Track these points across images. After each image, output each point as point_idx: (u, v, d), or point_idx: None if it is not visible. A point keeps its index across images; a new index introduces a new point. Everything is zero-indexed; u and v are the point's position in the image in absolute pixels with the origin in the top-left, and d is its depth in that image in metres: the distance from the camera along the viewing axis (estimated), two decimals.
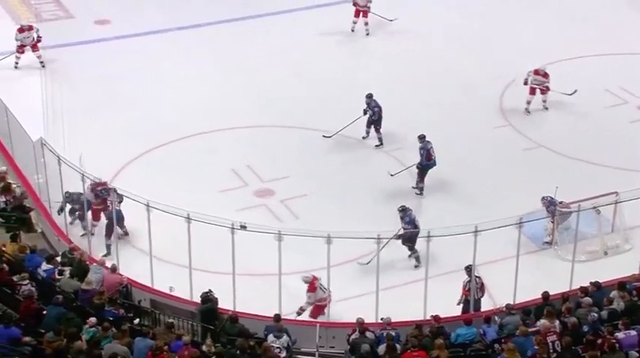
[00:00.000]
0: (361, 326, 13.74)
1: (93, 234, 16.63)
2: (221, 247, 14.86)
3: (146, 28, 24.21)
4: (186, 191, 17.64)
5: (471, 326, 13.87)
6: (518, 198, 17.50)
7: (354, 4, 23.88)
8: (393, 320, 13.99)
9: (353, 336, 13.74)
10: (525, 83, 20.87)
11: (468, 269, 14.80)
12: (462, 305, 15.06)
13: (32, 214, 17.05)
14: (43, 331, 12.96)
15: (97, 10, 25.18)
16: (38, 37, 22.22)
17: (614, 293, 14.15)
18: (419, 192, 18.01)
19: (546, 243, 16.63)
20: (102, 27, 24.55)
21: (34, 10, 25.12)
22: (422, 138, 18.07)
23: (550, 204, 16.63)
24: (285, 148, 19.65)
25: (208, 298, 14.44)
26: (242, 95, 21.49)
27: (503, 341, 13.23)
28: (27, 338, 12.63)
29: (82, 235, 16.68)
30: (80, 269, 15.10)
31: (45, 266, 14.98)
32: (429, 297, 14.68)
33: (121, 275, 15.42)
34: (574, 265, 15.36)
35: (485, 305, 14.96)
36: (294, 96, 21.30)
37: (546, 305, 13.93)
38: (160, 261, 15.84)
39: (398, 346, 13.26)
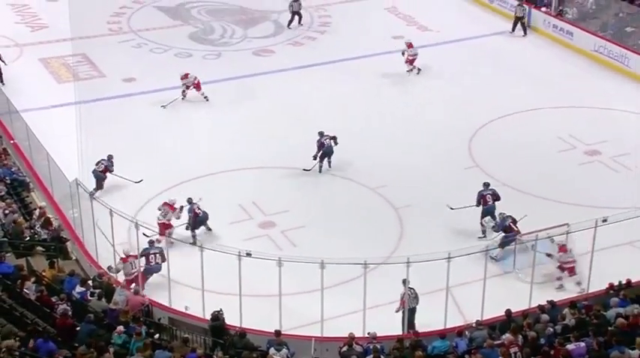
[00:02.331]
0: (351, 340, 13.68)
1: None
2: (229, 272, 14.83)
3: (166, 84, 24.35)
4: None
5: (445, 339, 13.82)
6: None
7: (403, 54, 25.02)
8: (378, 335, 13.95)
9: (343, 349, 13.68)
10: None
11: (404, 282, 14.69)
12: (400, 312, 14.92)
13: (68, 244, 17.05)
14: (76, 345, 12.91)
15: (124, 70, 25.41)
16: (197, 79, 23.20)
17: (566, 311, 14.12)
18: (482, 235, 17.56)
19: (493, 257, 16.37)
20: (129, 84, 24.73)
21: (72, 71, 25.34)
22: (486, 185, 17.92)
23: (502, 222, 16.75)
24: (285, 186, 19.68)
25: (217, 316, 14.39)
26: (249, 142, 21.58)
27: (472, 352, 13.18)
28: (63, 351, 12.58)
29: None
30: (108, 291, 15.07)
31: (79, 288, 14.94)
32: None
33: (143, 296, 15.37)
34: (532, 286, 15.33)
35: (457, 321, 14.89)
36: (294, 142, 21.39)
37: (510, 322, 13.90)
38: (177, 283, 15.81)
39: (382, 357, 13.21)
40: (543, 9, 28.66)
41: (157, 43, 27.58)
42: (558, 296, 14.87)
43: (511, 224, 16.90)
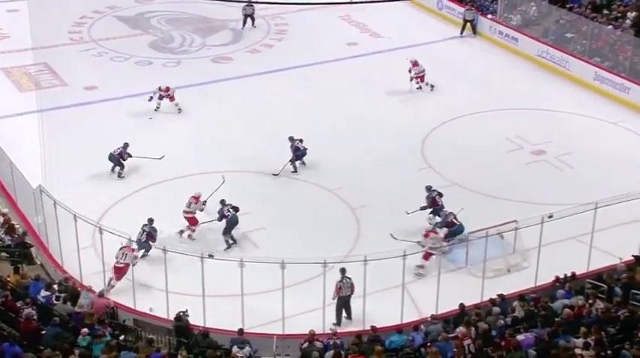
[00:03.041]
0: (312, 336, 13.68)
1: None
2: (193, 273, 14.73)
3: (127, 92, 24.11)
4: (165, 226, 17.42)
5: (402, 333, 13.89)
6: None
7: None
8: (338, 331, 13.96)
9: (304, 345, 13.66)
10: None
11: (342, 271, 14.83)
12: (335, 300, 15.04)
13: (32, 249, 16.76)
14: (42, 348, 12.69)
15: (85, 78, 25.07)
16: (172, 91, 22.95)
17: (515, 303, 14.29)
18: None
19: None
20: (90, 92, 24.40)
21: (34, 79, 24.92)
22: (429, 188, 17.98)
23: (444, 218, 17.10)
24: (246, 189, 19.59)
25: (181, 317, 14.27)
26: (210, 147, 21.46)
27: (428, 345, 13.27)
28: (28, 355, 12.36)
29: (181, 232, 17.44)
30: (73, 295, 14.85)
31: (44, 292, 14.69)
32: (366, 311, 14.69)
33: (108, 299, 15.17)
34: (484, 281, 15.50)
35: (413, 316, 14.99)
36: (254, 147, 21.34)
37: (463, 315, 14.03)
38: (142, 285, 15.64)
39: (342, 353, 13.22)
40: (489, 16, 29.05)
41: (117, 51, 27.28)
42: (508, 290, 15.03)
43: (453, 219, 17.16)
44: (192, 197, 17.76)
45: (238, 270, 14.23)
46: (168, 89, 23.09)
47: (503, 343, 12.80)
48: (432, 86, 24.35)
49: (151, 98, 22.92)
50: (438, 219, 17.49)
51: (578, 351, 12.36)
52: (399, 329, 14.02)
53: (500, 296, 14.62)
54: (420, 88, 24.30)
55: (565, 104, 23.93)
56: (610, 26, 25.51)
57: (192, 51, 27.82)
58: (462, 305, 14.37)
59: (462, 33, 28.85)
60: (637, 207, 16.00)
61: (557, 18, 27.15)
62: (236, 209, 17.49)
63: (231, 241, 17.30)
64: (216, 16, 30.50)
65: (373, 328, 14.04)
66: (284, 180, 19.68)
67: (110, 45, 27.76)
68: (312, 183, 19.84)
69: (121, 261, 15.73)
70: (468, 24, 28.77)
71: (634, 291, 14.16)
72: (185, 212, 17.64)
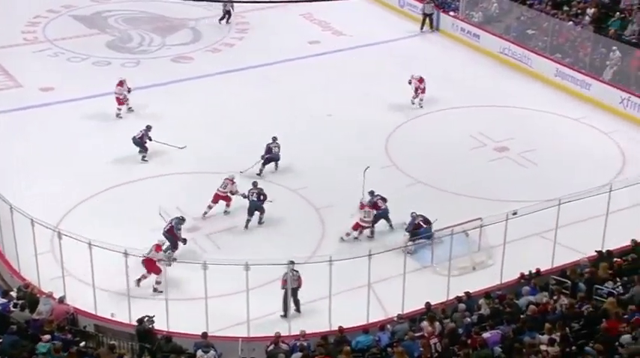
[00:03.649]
0: (277, 339, 13.63)
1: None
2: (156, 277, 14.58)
3: (85, 92, 23.81)
4: (124, 231, 17.29)
5: (368, 334, 13.93)
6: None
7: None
8: (306, 332, 13.95)
9: (270, 348, 13.62)
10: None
11: (289, 263, 14.94)
12: (283, 291, 15.17)
13: None
14: None
15: (41, 79, 24.70)
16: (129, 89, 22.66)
17: (481, 301, 14.41)
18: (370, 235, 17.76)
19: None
20: (47, 93, 24.04)
21: None
22: (371, 193, 17.98)
23: (412, 220, 17.23)
24: (208, 190, 19.40)
25: (143, 321, 14.12)
26: (171, 148, 21.24)
27: (394, 345, 13.32)
28: None
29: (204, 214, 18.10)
30: (32, 301, 14.60)
31: (0, 300, 14.42)
32: (332, 311, 14.70)
33: (67, 305, 14.96)
34: (450, 279, 15.62)
35: (379, 315, 15.04)
36: (216, 147, 21.22)
37: (429, 313, 14.11)
38: (103, 291, 15.45)
39: (309, 354, 13.20)
40: (451, 13, 29.28)
41: (74, 52, 26.92)
42: (474, 288, 15.15)
43: (420, 222, 17.25)
44: (227, 179, 18.49)
45: (202, 273, 14.12)
46: (121, 83, 22.63)
47: (469, 341, 12.90)
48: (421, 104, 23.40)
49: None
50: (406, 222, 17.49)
51: (543, 347, 12.52)
52: (365, 330, 14.05)
53: (466, 294, 14.74)
54: (414, 102, 23.40)
55: (527, 101, 24.23)
56: (570, 22, 25.88)
57: (152, 50, 27.58)
58: (428, 304, 14.45)
59: (422, 28, 29.09)
60: (599, 202, 16.22)
61: (519, 15, 27.45)
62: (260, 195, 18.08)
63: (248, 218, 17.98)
64: (175, 15, 30.27)
65: (340, 329, 14.04)
66: (247, 180, 19.60)
67: (66, 45, 27.39)
68: (275, 184, 19.78)
69: (145, 254, 15.79)
70: (428, 19, 28.95)
71: (597, 286, 14.37)
72: (220, 192, 18.37)
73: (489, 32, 27.64)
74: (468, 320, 13.76)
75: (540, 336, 12.84)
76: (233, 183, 18.54)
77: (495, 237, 16.33)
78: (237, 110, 23.36)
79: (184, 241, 16.84)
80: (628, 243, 15.95)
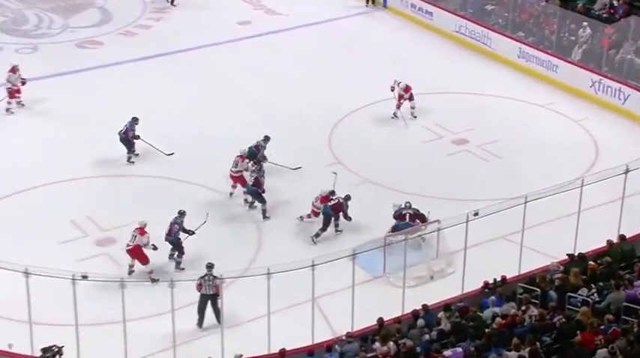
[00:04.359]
0: None
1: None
2: (63, 299, 14.36)
3: None
4: (23, 245, 17.01)
5: (314, 356, 13.97)
6: (352, 230, 18.15)
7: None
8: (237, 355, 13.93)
9: None
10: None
11: (207, 266, 15.35)
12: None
13: None
14: None
15: None
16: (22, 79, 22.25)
17: (441, 315, 14.58)
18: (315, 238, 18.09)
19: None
20: None
21: None
22: (332, 192, 18.26)
23: (399, 209, 17.66)
24: (125, 196, 19.29)
25: (49, 351, 13.89)
26: (78, 148, 21.00)
27: None
28: None
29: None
30: None
31: None
32: (272, 331, 14.70)
33: None
34: (405, 291, 15.76)
35: (325, 334, 15.09)
36: (146, 150, 21.00)
37: (382, 331, 14.23)
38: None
39: None
40: None
41: None
42: (432, 300, 15.34)
43: (407, 213, 17.48)
44: (238, 156, 19.04)
45: (119, 293, 13.97)
46: (14, 69, 22.29)
47: None
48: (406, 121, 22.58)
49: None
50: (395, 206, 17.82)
51: None
52: (310, 352, 14.10)
53: (424, 307, 14.91)
54: (396, 116, 22.59)
55: (487, 86, 24.64)
56: None
57: (52, 34, 27.19)
58: (380, 320, 14.56)
59: (367, 3, 29.32)
60: (570, 199, 16.56)
61: None
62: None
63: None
64: None
65: (281, 352, 14.06)
66: (169, 183, 19.51)
67: None
68: (204, 187, 19.69)
69: (130, 243, 16.60)
70: None
71: (570, 294, 14.69)
72: (233, 172, 18.95)
73: (443, 9, 28.00)
74: (427, 337, 13.92)
75: (508, 353, 13.07)
76: (244, 159, 19.07)
77: (455, 242, 16.55)
78: (155, 102, 23.19)
79: (191, 232, 17.16)
80: (603, 244, 16.32)
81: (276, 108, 23.07)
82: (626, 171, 16.44)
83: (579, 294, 14.62)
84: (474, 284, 15.79)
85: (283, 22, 28.13)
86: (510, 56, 25.92)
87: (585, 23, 24.67)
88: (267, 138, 19.98)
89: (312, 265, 14.40)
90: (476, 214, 15.51)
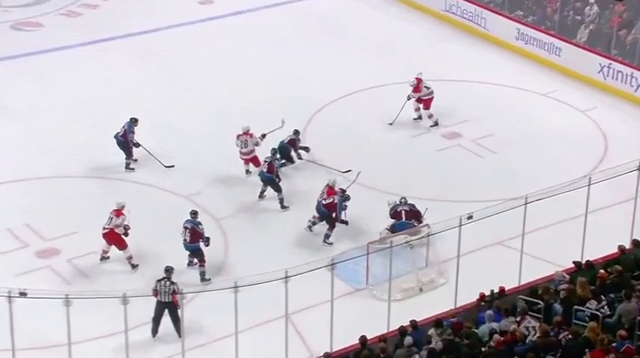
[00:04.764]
0: None
1: None
2: None
3: None
4: None
5: None
6: (332, 236, 18.15)
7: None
8: None
9: None
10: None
11: (166, 270, 15.59)
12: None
13: None
14: None
15: None
16: None
17: (431, 332, 14.62)
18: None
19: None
20: None
21: None
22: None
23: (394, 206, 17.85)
24: (70, 201, 19.20)
25: None
26: (15, 147, 20.91)
27: None
28: None
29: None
30: None
31: None
32: (241, 352, 14.66)
33: None
34: (390, 305, 15.77)
35: (301, 355, 15.13)
36: (76, 143, 21.02)
37: (363, 351, 14.25)
38: None
39: None
40: None
41: None
42: (422, 315, 15.39)
43: (402, 210, 17.63)
44: (244, 134, 19.66)
45: (63, 310, 13.89)
46: None
47: None
48: (436, 123, 22.30)
49: None
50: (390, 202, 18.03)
51: None
52: None
53: (412, 323, 14.96)
54: (420, 118, 22.40)
55: (482, 72, 24.75)
56: None
57: None
58: (363, 339, 14.59)
59: None
60: (576, 198, 16.64)
61: None
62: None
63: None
64: None
65: None
66: (123, 185, 19.44)
67: None
68: (160, 188, 19.66)
69: (106, 225, 17.20)
70: None
71: (577, 307, 14.79)
72: (243, 154, 19.71)
73: None
74: (417, 356, 13.98)
75: None
76: (251, 136, 19.67)
77: (447, 249, 16.62)
78: (103, 92, 23.18)
79: (207, 241, 17.18)
80: (614, 250, 16.41)
81: (243, 98, 23.05)
82: None
83: (587, 307, 14.72)
84: (468, 297, 15.86)
85: (249, 1, 28.09)
86: (507, 38, 26.08)
87: (592, 0, 24.83)
88: (297, 132, 20.42)
89: (286, 277, 14.39)
90: (470, 217, 15.57)
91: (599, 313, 14.52)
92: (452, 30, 27.12)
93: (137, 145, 20.13)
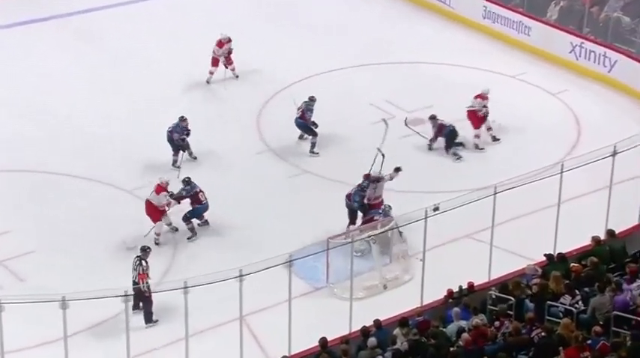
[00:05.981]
0: None
1: None
2: None
3: None
4: None
5: None
6: (289, 231, 18.19)
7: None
8: None
9: None
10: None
11: (143, 249, 16.20)
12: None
13: None
14: None
15: None
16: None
17: (396, 331, 14.70)
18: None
19: None
20: None
21: None
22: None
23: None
24: (5, 197, 19.05)
25: None
26: None
27: None
28: None
29: None
30: None
31: None
32: (192, 356, 14.70)
33: None
34: (352, 304, 15.83)
35: None
36: (6, 135, 20.94)
37: (323, 352, 14.30)
38: None
39: None
40: None
41: None
42: (386, 314, 15.46)
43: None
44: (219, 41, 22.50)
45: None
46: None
47: None
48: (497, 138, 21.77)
49: None
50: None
51: None
52: None
53: (376, 323, 15.03)
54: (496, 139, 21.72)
55: (447, 54, 24.87)
56: None
57: None
58: (323, 340, 14.63)
59: None
60: (548, 187, 16.77)
61: None
62: None
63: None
64: None
65: None
66: (57, 183, 19.29)
67: None
68: (102, 183, 19.57)
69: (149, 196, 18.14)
70: None
71: (550, 303, 14.93)
72: (216, 54, 22.49)
73: None
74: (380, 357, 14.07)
75: None
76: (229, 41, 22.63)
77: (412, 243, 16.70)
78: (37, 80, 23.08)
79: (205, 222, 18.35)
80: (588, 241, 16.56)
81: (191, 84, 23.01)
82: (614, 153, 16.67)
83: (561, 303, 14.86)
84: (435, 294, 15.96)
85: None
86: (474, 17, 26.23)
87: None
88: (312, 99, 21.02)
89: (240, 275, 14.39)
90: (436, 209, 15.64)
91: (573, 309, 14.65)
92: (414, 8, 27.20)
93: (183, 147, 20.31)
